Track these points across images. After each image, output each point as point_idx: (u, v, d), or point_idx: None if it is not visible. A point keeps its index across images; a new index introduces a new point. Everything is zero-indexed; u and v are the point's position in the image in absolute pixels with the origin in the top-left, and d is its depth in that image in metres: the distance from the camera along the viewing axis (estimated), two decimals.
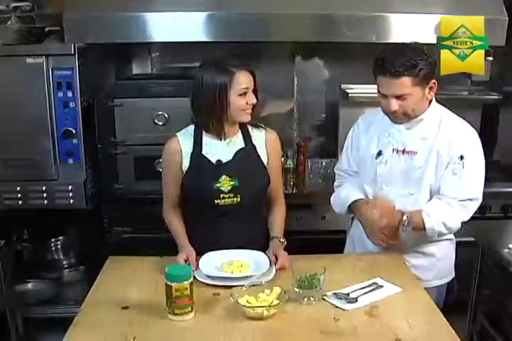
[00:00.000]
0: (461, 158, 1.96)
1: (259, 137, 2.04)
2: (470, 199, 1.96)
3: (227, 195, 1.96)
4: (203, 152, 1.97)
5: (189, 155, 1.97)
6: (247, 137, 2.01)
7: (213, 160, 1.97)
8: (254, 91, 1.94)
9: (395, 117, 1.97)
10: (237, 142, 2.01)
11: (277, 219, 2.10)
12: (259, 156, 2.02)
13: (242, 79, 1.89)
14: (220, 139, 1.98)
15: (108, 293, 1.77)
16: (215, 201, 1.95)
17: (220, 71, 1.88)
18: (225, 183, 1.95)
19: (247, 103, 1.91)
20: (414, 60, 1.85)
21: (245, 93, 1.90)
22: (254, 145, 2.02)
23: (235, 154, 1.98)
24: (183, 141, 1.99)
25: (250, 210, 2.03)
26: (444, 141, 1.98)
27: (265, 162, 2.03)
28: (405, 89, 1.87)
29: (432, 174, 1.98)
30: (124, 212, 2.70)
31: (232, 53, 3.07)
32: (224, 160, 1.97)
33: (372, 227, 1.98)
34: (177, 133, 2.03)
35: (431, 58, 1.91)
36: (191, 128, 2.02)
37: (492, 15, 2.53)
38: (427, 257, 2.07)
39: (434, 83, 1.95)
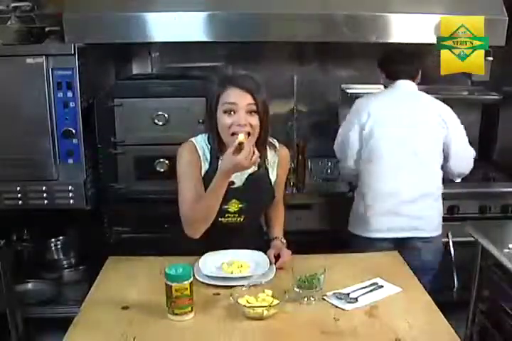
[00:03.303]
0: None
1: (272, 158, 1.98)
2: None
3: (232, 215, 1.93)
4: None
5: (205, 169, 1.89)
6: (260, 159, 1.89)
7: None
8: (256, 113, 1.79)
9: None
10: None
11: (278, 220, 2.10)
12: (269, 178, 1.98)
13: (231, 94, 1.77)
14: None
15: (108, 293, 1.76)
16: (219, 219, 1.90)
17: (217, 84, 1.82)
18: (233, 205, 1.91)
19: (233, 124, 1.77)
20: None
21: (232, 111, 1.77)
22: (266, 167, 1.96)
23: (247, 178, 1.92)
24: (200, 149, 1.90)
25: (251, 226, 2.02)
26: None
27: (273, 180, 2.00)
28: None
29: None
30: (124, 212, 2.70)
31: (233, 53, 3.10)
32: (236, 184, 1.90)
33: None
34: (192, 140, 1.93)
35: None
36: (206, 139, 1.92)
37: (492, 15, 2.53)
38: None
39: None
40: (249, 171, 1.92)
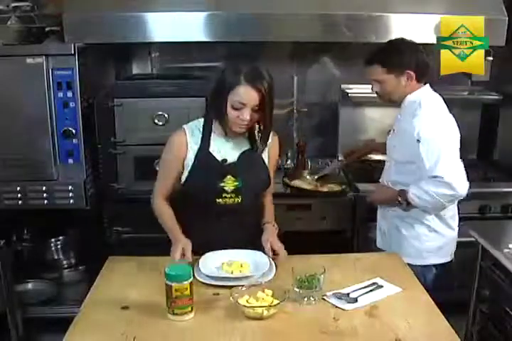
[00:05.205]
0: (418, 141, 2.10)
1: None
2: (435, 177, 2.07)
3: (229, 195, 1.95)
4: (210, 149, 1.95)
5: (195, 151, 1.95)
6: (252, 139, 1.99)
7: (219, 158, 1.95)
8: (260, 110, 1.85)
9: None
10: (243, 143, 1.99)
11: (268, 206, 2.12)
12: (262, 159, 2.02)
13: (243, 94, 1.82)
14: (226, 136, 1.95)
15: (108, 293, 1.77)
16: (217, 200, 1.95)
17: (231, 75, 1.84)
18: (229, 183, 1.94)
19: (238, 117, 1.85)
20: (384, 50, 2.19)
21: (240, 108, 1.83)
22: (258, 148, 2.00)
23: (241, 155, 1.97)
24: (190, 135, 1.96)
25: (249, 211, 2.03)
26: (408, 124, 2.15)
27: (266, 160, 2.03)
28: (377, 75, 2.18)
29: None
30: (124, 212, 2.70)
31: (233, 54, 3.10)
32: (229, 160, 1.95)
33: None
34: (184, 126, 1.99)
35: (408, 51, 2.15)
36: (199, 122, 1.99)
37: (492, 15, 2.54)
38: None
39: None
40: (242, 149, 1.98)
